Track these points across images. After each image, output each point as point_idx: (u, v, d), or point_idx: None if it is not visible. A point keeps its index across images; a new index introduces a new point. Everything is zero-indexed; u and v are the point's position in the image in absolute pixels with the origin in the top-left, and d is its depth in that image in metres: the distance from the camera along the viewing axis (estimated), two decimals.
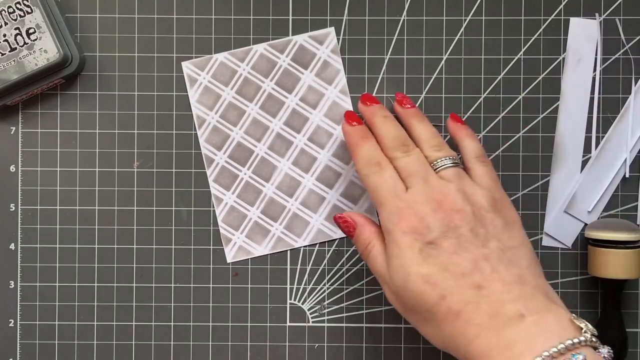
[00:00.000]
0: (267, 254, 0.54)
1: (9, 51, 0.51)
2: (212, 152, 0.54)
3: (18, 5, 0.51)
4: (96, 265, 0.54)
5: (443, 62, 0.54)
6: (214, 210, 0.54)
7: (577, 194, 0.53)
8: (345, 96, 0.54)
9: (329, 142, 0.54)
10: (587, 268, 0.52)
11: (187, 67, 0.54)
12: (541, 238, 0.54)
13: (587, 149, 0.54)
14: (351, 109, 0.54)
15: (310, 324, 0.54)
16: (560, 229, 0.53)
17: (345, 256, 0.55)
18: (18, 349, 0.54)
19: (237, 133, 0.54)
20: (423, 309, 0.42)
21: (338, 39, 0.54)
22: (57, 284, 0.54)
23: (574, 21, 0.53)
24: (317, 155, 0.54)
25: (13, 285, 0.54)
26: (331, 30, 0.54)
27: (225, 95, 0.54)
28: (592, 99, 0.53)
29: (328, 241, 0.54)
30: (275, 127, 0.54)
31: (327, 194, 0.54)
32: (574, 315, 0.40)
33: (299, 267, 0.54)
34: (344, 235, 0.54)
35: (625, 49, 0.54)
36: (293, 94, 0.54)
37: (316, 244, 0.54)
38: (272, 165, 0.54)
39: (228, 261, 0.54)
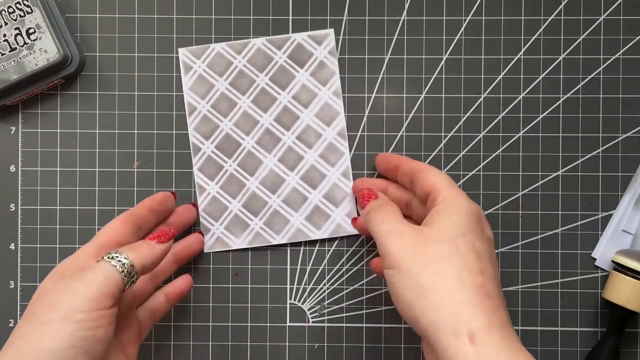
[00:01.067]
0: (246, 247, 0.54)
1: (9, 51, 0.51)
2: (199, 140, 0.54)
3: (18, 5, 0.51)
4: None
5: (443, 62, 0.54)
6: None
7: None
8: (338, 98, 0.54)
9: (317, 143, 0.54)
10: (603, 290, 0.52)
11: (183, 53, 0.54)
12: (540, 239, 0.54)
13: None
14: (342, 111, 0.54)
15: (310, 324, 0.54)
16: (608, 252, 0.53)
17: (345, 256, 0.55)
18: None
19: (226, 124, 0.54)
20: None
21: (338, 39, 0.54)
22: None
23: None
24: (304, 155, 0.54)
25: (13, 285, 0.54)
26: (330, 31, 0.54)
27: (218, 86, 0.54)
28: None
29: (327, 241, 0.54)
30: (265, 122, 0.54)
31: (309, 194, 0.54)
32: None
33: (299, 267, 0.54)
34: (325, 237, 0.54)
35: (625, 48, 0.54)
36: (286, 91, 0.54)
37: (298, 243, 0.54)
38: (258, 160, 0.54)
39: (205, 251, 0.54)
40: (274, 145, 0.54)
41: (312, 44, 0.54)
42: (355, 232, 0.54)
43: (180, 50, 0.54)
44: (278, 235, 0.54)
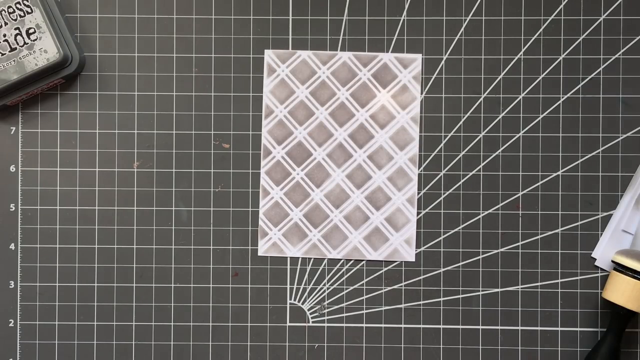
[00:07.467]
0: (299, 257, 0.54)
1: (9, 51, 0.51)
2: (271, 144, 0.54)
3: (18, 5, 0.51)
4: (96, 265, 0.54)
5: (443, 62, 0.54)
6: (214, 210, 0.54)
7: None
8: (415, 124, 0.54)
9: (387, 165, 0.54)
10: (603, 290, 0.52)
11: (269, 55, 0.54)
12: (540, 239, 0.54)
13: None
14: (417, 138, 0.54)
15: (310, 324, 0.54)
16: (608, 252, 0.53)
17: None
18: (18, 349, 0.54)
19: (300, 132, 0.54)
20: None
21: (337, 39, 0.54)
22: (57, 284, 0.54)
23: None
24: (373, 175, 0.54)
25: (13, 285, 0.54)
26: (418, 56, 0.54)
27: (298, 93, 0.54)
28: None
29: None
30: (339, 136, 0.54)
31: (372, 215, 0.54)
32: None
33: (299, 267, 0.54)
34: (380, 259, 0.54)
35: (625, 49, 0.54)
36: (365, 109, 0.54)
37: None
38: (326, 172, 0.54)
39: (259, 254, 0.54)
40: (344, 160, 0.54)
41: (398, 66, 0.54)
42: (411, 259, 0.54)
43: (267, 51, 0.54)
44: (334, 250, 0.54)
